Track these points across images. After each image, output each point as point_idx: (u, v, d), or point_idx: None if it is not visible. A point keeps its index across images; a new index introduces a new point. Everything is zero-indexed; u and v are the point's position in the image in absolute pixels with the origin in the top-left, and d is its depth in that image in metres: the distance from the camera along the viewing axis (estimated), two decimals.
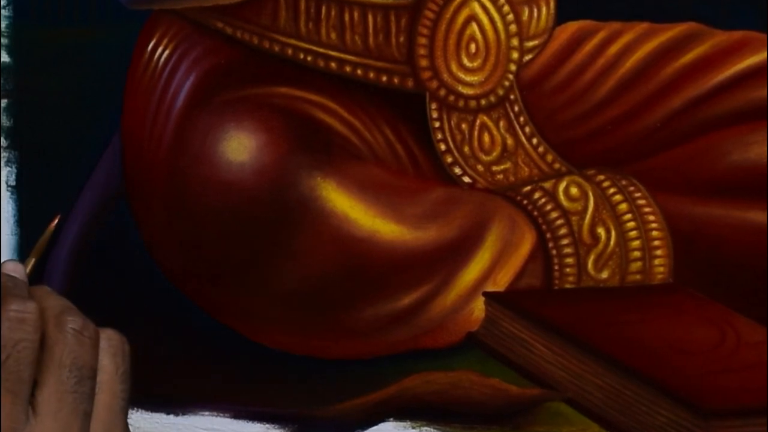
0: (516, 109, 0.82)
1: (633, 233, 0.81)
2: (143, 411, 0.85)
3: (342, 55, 0.83)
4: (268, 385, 0.84)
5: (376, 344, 0.83)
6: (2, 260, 0.68)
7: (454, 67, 0.82)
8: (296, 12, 0.82)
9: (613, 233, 0.82)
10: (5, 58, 0.86)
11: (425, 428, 0.82)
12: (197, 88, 0.83)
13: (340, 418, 0.83)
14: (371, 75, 0.83)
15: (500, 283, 0.83)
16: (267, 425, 0.84)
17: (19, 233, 0.86)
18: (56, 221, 0.70)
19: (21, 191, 0.87)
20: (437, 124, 0.83)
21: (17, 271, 0.63)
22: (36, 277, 0.72)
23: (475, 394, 0.81)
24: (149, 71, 0.85)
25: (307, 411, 0.83)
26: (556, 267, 0.82)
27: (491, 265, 0.82)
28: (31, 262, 0.69)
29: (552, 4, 0.81)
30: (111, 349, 0.60)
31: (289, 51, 0.83)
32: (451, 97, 0.83)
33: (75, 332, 0.58)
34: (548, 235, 0.82)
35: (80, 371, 0.57)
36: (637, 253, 0.81)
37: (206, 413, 0.85)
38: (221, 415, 0.85)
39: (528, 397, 0.81)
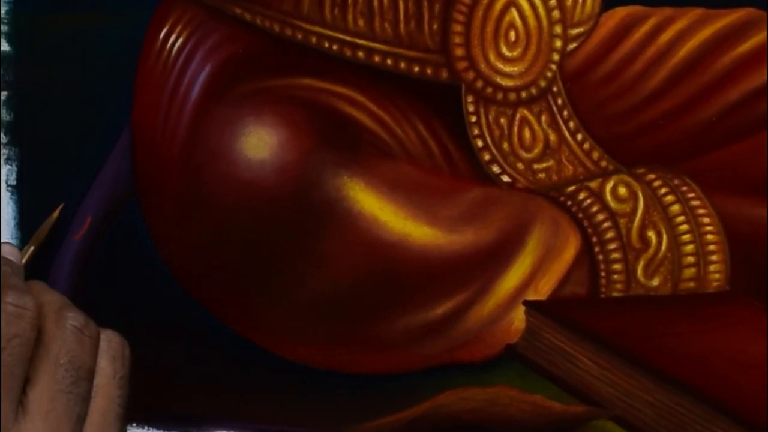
0: (559, 102, 0.81)
1: (686, 237, 0.80)
2: (154, 428, 0.84)
3: (370, 44, 0.81)
4: (290, 402, 0.83)
5: (407, 358, 0.82)
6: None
7: (492, 57, 0.81)
8: None
9: (664, 237, 0.80)
10: (5, 46, 0.85)
11: None
12: (213, 79, 0.82)
13: None
14: (402, 65, 0.81)
15: (542, 291, 0.81)
16: None
17: (20, 237, 0.84)
18: (59, 211, 0.71)
19: (22, 191, 0.86)
20: (474, 119, 0.81)
21: (13, 254, 0.65)
22: (37, 272, 0.73)
23: (514, 412, 0.81)
24: (161, 61, 0.83)
25: (333, 430, 0.83)
26: (603, 273, 0.81)
27: (532, 272, 0.81)
28: (30, 250, 0.69)
29: None
30: (111, 351, 0.61)
31: (313, 39, 0.82)
32: (489, 89, 0.81)
33: (75, 329, 0.59)
34: (594, 239, 0.81)
35: (77, 371, 0.57)
36: (690, 259, 0.80)
37: None
38: None
39: (572, 415, 0.80)
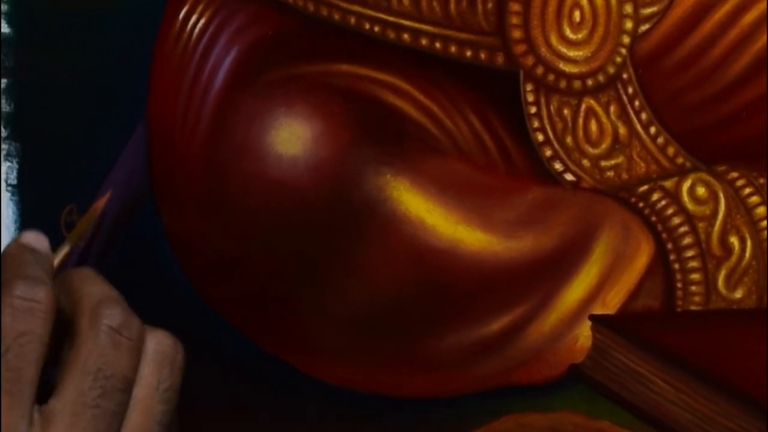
0: (630, 90, 0.79)
1: None
2: None
3: (417, 25, 0.80)
4: (327, 428, 0.82)
5: (459, 379, 0.80)
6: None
7: (554, 40, 0.79)
8: None
9: (748, 243, 0.78)
10: (5, 28, 0.84)
11: None
12: (239, 65, 0.81)
13: None
14: (452, 49, 0.80)
15: (611, 304, 0.79)
16: None
17: None
18: (107, 198, 0.68)
19: (23, 191, 0.85)
20: (533, 110, 0.80)
21: (40, 243, 0.61)
22: None
23: None
24: (181, 45, 0.82)
25: None
26: (680, 284, 0.79)
27: (600, 282, 0.79)
28: (64, 251, 0.65)
29: None
30: (157, 357, 0.57)
31: (352, 20, 0.81)
32: (551, 76, 0.79)
33: (110, 330, 0.55)
34: (669, 246, 0.79)
35: (107, 381, 0.55)
36: None
37: None
38: None
39: None
